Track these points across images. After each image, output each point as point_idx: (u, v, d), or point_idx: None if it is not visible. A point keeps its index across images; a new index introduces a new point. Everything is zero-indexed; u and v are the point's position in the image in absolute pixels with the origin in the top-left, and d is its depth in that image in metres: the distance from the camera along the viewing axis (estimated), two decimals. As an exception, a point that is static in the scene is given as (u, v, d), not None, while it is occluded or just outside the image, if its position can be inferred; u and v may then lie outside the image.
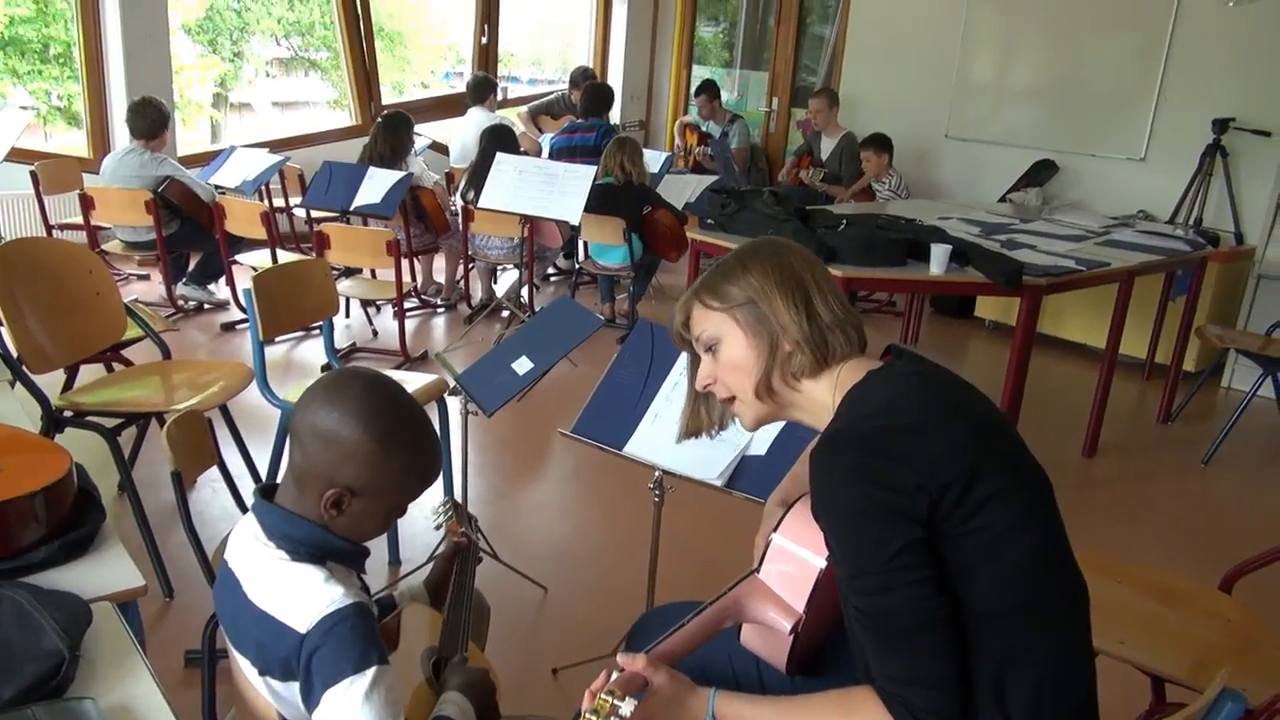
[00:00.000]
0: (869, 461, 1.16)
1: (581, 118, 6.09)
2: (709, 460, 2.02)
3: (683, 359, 2.23)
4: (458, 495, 2.88)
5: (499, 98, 6.71)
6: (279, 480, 1.37)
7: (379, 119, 5.25)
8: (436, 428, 3.04)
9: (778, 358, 1.32)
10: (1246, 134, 5.09)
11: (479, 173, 5.05)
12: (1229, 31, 5.17)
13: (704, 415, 1.46)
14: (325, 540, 1.31)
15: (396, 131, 5.19)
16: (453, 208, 5.61)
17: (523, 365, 2.31)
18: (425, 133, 6.88)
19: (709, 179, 5.82)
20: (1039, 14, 5.93)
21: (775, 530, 1.37)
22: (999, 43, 6.17)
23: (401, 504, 1.34)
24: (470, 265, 5.60)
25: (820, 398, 1.33)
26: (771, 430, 2.00)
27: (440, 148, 7.14)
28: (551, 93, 7.75)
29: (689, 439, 1.49)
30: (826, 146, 6.47)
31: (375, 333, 4.99)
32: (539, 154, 6.44)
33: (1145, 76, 5.48)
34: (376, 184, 4.86)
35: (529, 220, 4.81)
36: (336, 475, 1.28)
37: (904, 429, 1.18)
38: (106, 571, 1.50)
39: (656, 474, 2.11)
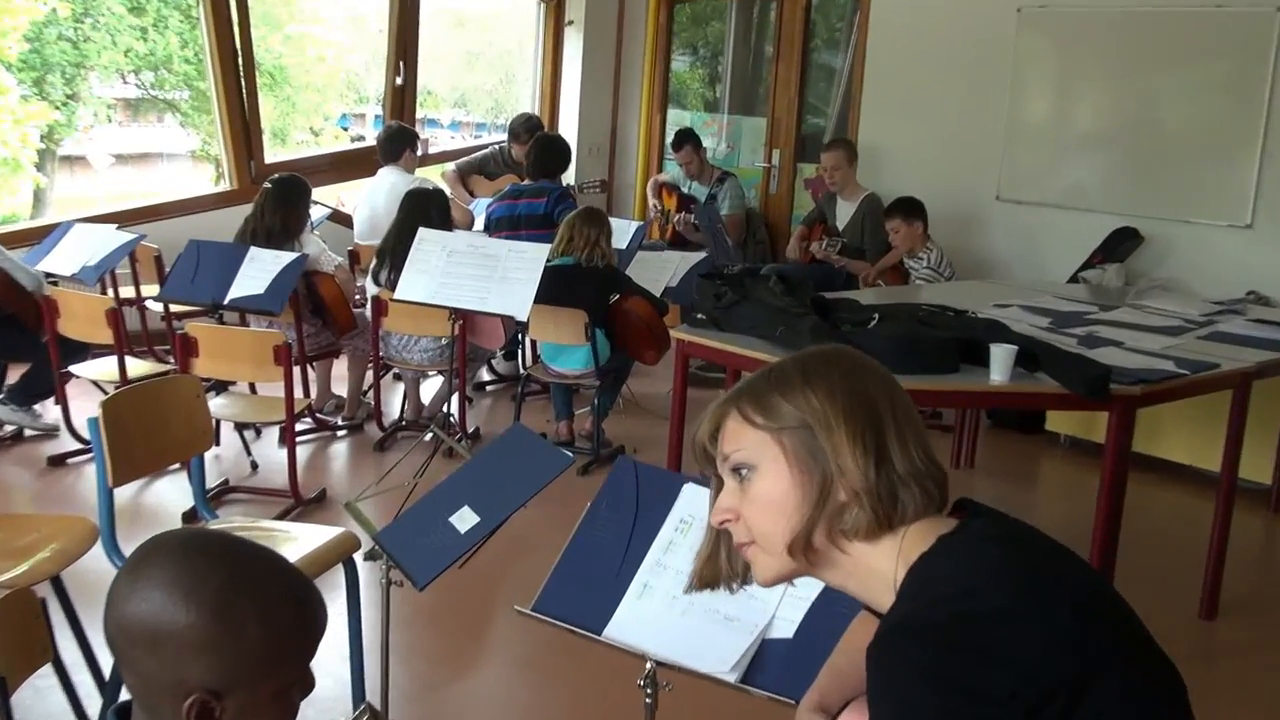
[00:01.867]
0: (949, 660, 1.17)
1: (529, 178, 6.22)
2: (717, 644, 2.01)
3: (680, 508, 2.24)
4: (374, 695, 2.83)
5: (419, 153, 6.84)
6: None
7: (267, 184, 5.33)
8: (344, 599, 3.02)
9: (827, 508, 1.35)
10: (1378, 193, 5.30)
11: (395, 252, 5.11)
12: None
13: (724, 562, 1.48)
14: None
15: (290, 201, 5.29)
16: (359, 298, 5.64)
17: (465, 520, 2.30)
18: (321, 199, 6.97)
19: (694, 256, 5.94)
20: (1105, 41, 6.20)
21: (819, 751, 1.37)
22: (1057, 77, 6.43)
23: (292, 677, 1.33)
24: (382, 373, 5.60)
25: (876, 565, 1.34)
26: (799, 605, 2.00)
27: (341, 218, 7.23)
28: (484, 145, 7.91)
29: (703, 590, 1.50)
30: (844, 212, 6.64)
31: (255, 465, 4.97)
32: (470, 225, 6.53)
33: (1245, 119, 5.72)
34: (260, 269, 4.91)
35: (461, 315, 4.84)
36: (185, 679, 1.27)
37: (992, 617, 1.19)
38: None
39: (648, 665, 2.10)
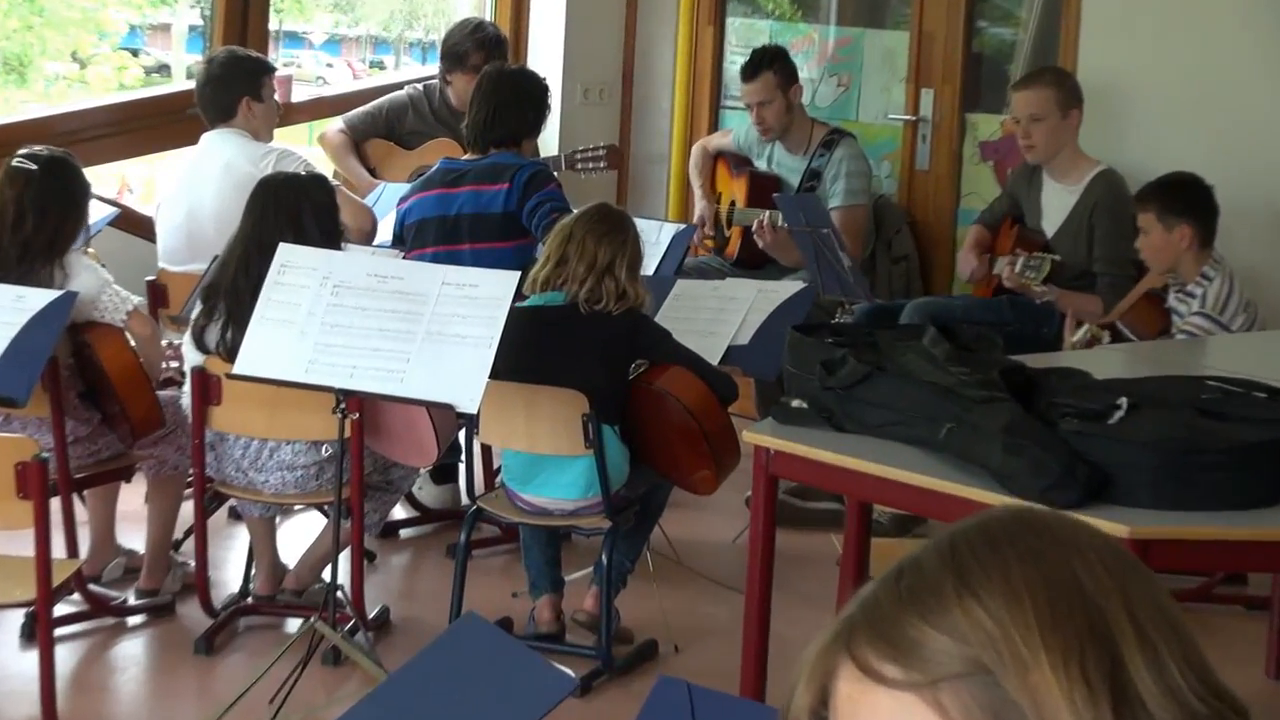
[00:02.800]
0: None
1: (473, 148, 6.28)
2: None
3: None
4: None
5: (277, 101, 6.87)
6: None
7: (19, 164, 5.35)
8: None
9: None
10: None
11: (236, 289, 5.15)
12: None
13: None
14: None
15: (56, 197, 5.34)
16: (170, 367, 5.67)
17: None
18: (99, 191, 7.02)
19: (782, 288, 5.95)
20: None
21: None
22: None
23: None
24: (211, 506, 5.59)
25: None
26: None
27: (135, 221, 7.30)
28: (392, 86, 7.98)
29: None
30: (1055, 203, 6.68)
31: (-21, 683, 4.99)
32: (369, 232, 6.54)
33: None
34: (-9, 323, 4.93)
35: (356, 405, 4.87)
36: None
37: None
38: None
39: None
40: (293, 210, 5.30)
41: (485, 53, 7.13)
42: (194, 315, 5.36)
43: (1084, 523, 1.43)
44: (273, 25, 8.60)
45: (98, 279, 5.39)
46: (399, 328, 4.79)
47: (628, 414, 5.10)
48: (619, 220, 5.24)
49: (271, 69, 6.95)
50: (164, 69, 14.10)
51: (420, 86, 7.65)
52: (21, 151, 5.47)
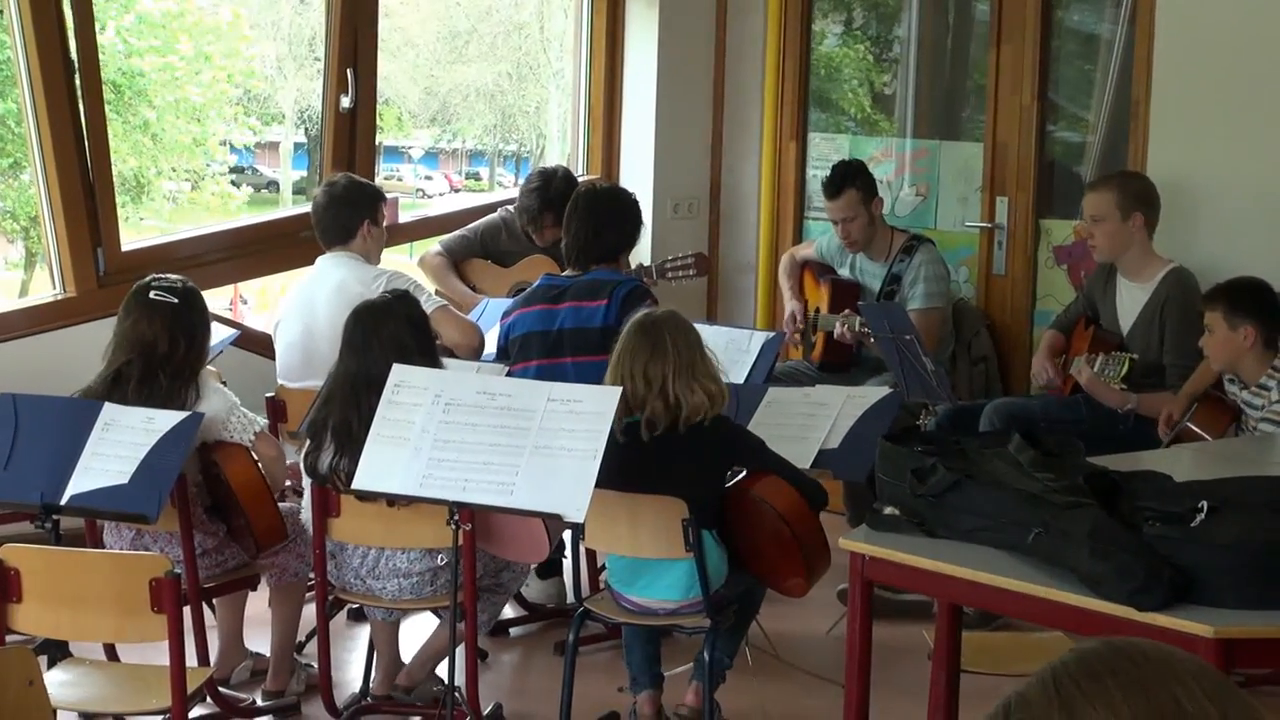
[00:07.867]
0: None
1: (575, 265, 6.36)
2: None
3: None
4: None
5: (382, 222, 6.91)
6: None
7: (156, 296, 5.45)
8: None
9: None
10: None
11: (346, 421, 5.24)
12: None
13: None
14: None
15: (193, 325, 5.46)
16: (289, 484, 5.76)
17: None
18: (216, 305, 7.10)
19: (869, 393, 5.96)
20: None
21: None
22: None
23: None
24: (332, 612, 5.65)
25: None
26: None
27: (253, 340, 7.43)
28: (497, 204, 8.11)
29: None
30: (1129, 302, 6.67)
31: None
32: (478, 349, 6.57)
33: None
34: (121, 442, 4.99)
35: (467, 514, 4.92)
36: None
37: None
38: None
39: None
40: (391, 336, 5.37)
41: (555, 212, 7.17)
42: (304, 451, 5.44)
43: (1178, 650, 1.44)
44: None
45: (226, 401, 5.50)
46: (508, 442, 4.84)
47: (725, 518, 5.14)
48: (662, 327, 5.19)
49: (382, 195, 7.07)
50: (273, 185, 14.20)
51: (512, 208, 7.74)
52: (155, 284, 5.53)
